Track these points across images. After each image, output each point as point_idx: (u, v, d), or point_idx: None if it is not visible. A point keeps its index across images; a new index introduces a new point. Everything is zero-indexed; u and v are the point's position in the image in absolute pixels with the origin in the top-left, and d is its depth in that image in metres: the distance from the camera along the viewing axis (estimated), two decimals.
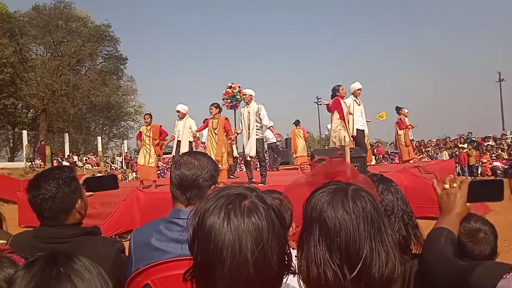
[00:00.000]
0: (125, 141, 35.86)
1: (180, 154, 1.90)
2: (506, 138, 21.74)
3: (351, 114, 8.88)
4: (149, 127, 9.76)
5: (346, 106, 8.52)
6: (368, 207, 0.93)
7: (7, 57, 28.08)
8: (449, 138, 23.21)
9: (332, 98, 8.44)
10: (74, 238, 1.59)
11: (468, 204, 1.32)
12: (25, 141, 25.25)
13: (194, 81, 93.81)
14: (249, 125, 8.02)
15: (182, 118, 9.52)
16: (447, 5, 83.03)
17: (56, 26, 31.16)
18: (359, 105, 8.92)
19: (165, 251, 1.45)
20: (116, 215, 7.40)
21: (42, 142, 26.50)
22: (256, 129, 7.99)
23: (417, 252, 1.34)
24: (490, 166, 17.79)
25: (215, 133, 8.58)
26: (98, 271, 0.90)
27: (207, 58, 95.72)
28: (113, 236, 7.05)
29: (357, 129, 8.63)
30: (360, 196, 0.95)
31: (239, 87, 13.02)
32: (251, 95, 8.14)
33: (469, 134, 22.39)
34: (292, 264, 0.97)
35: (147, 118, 9.87)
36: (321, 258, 0.91)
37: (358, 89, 9.06)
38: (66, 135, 29.64)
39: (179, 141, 9.49)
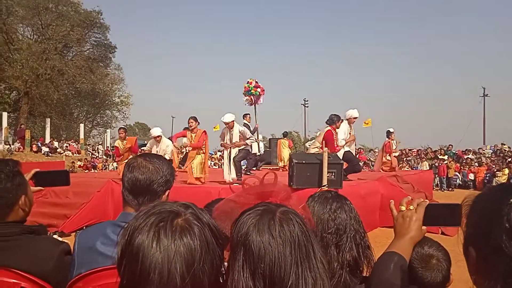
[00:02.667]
0: (108, 130, 35.47)
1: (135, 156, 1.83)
2: (484, 153, 22.18)
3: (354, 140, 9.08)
4: (124, 142, 9.78)
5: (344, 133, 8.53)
6: (296, 230, 0.88)
7: None
8: (431, 148, 23.51)
9: (328, 125, 8.38)
10: (14, 236, 1.50)
11: (423, 228, 1.29)
12: (4, 124, 24.69)
13: (184, 74, 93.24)
14: (230, 150, 8.31)
15: (159, 142, 9.60)
16: (434, 17, 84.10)
17: (46, 8, 30.61)
18: (350, 134, 8.84)
19: (110, 256, 1.39)
20: (89, 206, 7.29)
21: (22, 126, 26.04)
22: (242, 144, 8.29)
23: (367, 275, 1.31)
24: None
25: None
26: None
27: (196, 53, 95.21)
28: (84, 228, 6.95)
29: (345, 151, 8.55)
30: (288, 219, 0.90)
31: (256, 82, 12.88)
32: (233, 121, 8.38)
33: (450, 146, 22.71)
34: None
35: (122, 133, 9.86)
36: (244, 286, 0.86)
37: (354, 118, 8.94)
38: (48, 120, 29.16)
39: None
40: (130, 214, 1.49)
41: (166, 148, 9.57)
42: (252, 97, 12.79)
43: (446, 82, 79.92)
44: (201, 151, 8.45)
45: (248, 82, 12.81)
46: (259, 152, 13.07)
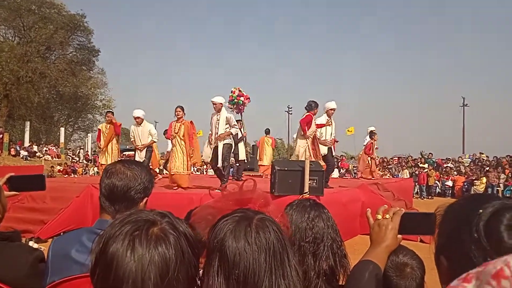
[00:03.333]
0: (89, 134, 35.02)
1: (113, 162, 1.80)
2: (463, 162, 22.65)
3: (337, 141, 9.04)
4: (108, 127, 9.72)
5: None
6: (271, 238, 0.89)
7: None
8: (411, 156, 23.89)
9: (307, 111, 8.42)
10: None
11: (399, 236, 1.31)
12: None
13: (167, 78, 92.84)
14: (217, 133, 7.97)
15: (140, 124, 9.38)
16: (415, 26, 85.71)
17: (28, 10, 30.14)
18: (330, 125, 8.94)
19: (84, 264, 1.36)
20: (67, 212, 7.15)
21: (0, 129, 25.46)
22: (226, 135, 7.99)
23: (343, 284, 1.32)
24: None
25: (180, 138, 8.31)
26: None
27: (181, 59, 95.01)
28: (62, 234, 6.81)
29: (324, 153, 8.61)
30: (264, 226, 0.91)
31: (239, 90, 12.92)
32: (222, 104, 8.12)
33: (430, 154, 23.12)
34: None
35: (109, 116, 9.81)
36: None
37: (332, 109, 8.99)
38: (28, 124, 28.63)
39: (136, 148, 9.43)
40: (107, 221, 1.47)
41: (150, 130, 9.35)
42: (236, 105, 12.81)
43: (426, 91, 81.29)
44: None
45: (232, 91, 12.85)
46: (247, 160, 13.08)
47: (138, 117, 9.25)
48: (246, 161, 12.66)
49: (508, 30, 75.21)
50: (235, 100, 12.71)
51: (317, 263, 1.31)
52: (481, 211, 0.80)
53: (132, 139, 9.50)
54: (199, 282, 0.93)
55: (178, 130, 8.32)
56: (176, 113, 8.40)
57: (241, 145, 11.41)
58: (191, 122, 8.48)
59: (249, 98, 13.06)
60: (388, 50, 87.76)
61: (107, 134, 9.69)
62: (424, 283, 1.54)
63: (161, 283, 0.79)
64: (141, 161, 8.90)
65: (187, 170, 8.38)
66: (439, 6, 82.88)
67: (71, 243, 1.43)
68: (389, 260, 1.32)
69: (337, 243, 1.36)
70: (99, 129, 9.90)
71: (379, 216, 1.33)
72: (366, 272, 1.19)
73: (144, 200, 1.54)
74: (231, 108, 12.71)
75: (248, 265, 0.86)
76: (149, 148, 9.42)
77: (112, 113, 9.92)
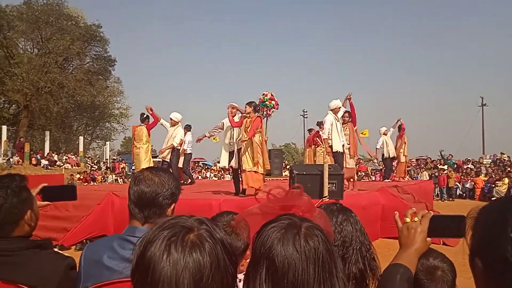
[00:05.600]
0: (107, 143, 35.47)
1: (140, 169, 1.83)
2: (484, 162, 22.22)
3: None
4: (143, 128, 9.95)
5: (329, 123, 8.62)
6: (320, 247, 0.88)
7: None
8: (430, 158, 23.54)
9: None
10: (20, 251, 1.49)
11: (428, 239, 1.30)
12: (4, 137, 24.73)
13: (184, 85, 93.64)
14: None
15: (173, 126, 9.61)
16: (431, 25, 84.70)
17: (46, 22, 30.74)
18: (338, 121, 8.94)
19: (116, 270, 1.39)
20: (89, 219, 7.24)
21: (22, 139, 26.02)
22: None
23: None
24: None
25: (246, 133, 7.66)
26: None
27: (197, 64, 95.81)
28: (84, 241, 6.91)
29: (336, 150, 8.62)
30: (313, 235, 0.90)
31: (271, 94, 12.93)
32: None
33: (450, 156, 22.75)
34: None
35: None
36: None
37: (339, 107, 9.03)
38: (47, 133, 29.16)
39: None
40: (136, 227, 1.50)
41: (176, 134, 9.51)
42: (266, 109, 12.77)
43: (444, 93, 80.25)
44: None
45: (264, 94, 12.85)
46: None
47: (171, 119, 9.61)
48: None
49: None
50: (266, 103, 12.70)
51: (346, 267, 1.31)
52: None
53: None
54: None
55: (249, 125, 7.64)
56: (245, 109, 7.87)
57: None
58: (259, 117, 7.98)
59: (278, 104, 13.05)
60: (405, 50, 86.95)
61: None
62: (455, 286, 1.52)
63: None
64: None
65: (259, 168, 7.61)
66: (455, 5, 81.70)
67: (103, 250, 1.46)
68: (419, 263, 1.31)
69: (365, 246, 1.35)
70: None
71: (408, 219, 1.32)
72: (397, 275, 1.18)
73: (172, 206, 1.56)
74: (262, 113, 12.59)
75: (297, 275, 0.85)
76: (175, 151, 9.60)
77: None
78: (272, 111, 13.00)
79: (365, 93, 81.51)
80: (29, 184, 1.64)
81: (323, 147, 8.85)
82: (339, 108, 9.02)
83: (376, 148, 13.08)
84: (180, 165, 11.11)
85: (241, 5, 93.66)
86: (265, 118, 12.83)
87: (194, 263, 0.82)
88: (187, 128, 11.84)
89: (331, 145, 8.57)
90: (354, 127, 9.63)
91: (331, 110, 8.94)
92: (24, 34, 30.97)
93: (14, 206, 1.51)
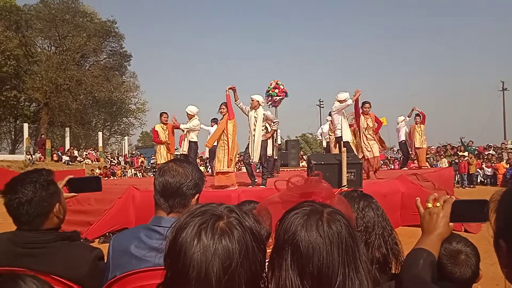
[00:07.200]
0: (125, 138, 35.92)
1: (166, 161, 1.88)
2: (506, 148, 21.76)
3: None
4: (165, 128, 10.04)
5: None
6: (343, 232, 0.89)
7: (11, 50, 28.14)
8: (450, 145, 23.17)
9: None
10: (50, 243, 1.56)
11: (451, 224, 1.30)
12: (26, 134, 25.29)
13: (199, 79, 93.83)
14: (254, 129, 7.97)
15: (190, 119, 9.66)
16: (452, 12, 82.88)
17: (63, 20, 31.12)
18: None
19: (143, 259, 1.43)
20: (111, 213, 7.38)
21: (43, 136, 26.53)
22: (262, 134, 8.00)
23: (396, 272, 1.32)
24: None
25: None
26: None
27: (212, 57, 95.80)
28: (107, 234, 7.05)
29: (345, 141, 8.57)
30: (335, 220, 0.91)
31: (276, 83, 12.77)
32: (258, 101, 8.06)
33: (470, 142, 22.36)
34: None
35: (165, 117, 10.14)
36: (292, 284, 0.87)
37: (346, 99, 8.92)
38: (67, 130, 29.71)
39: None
40: (162, 217, 1.54)
41: (192, 126, 9.57)
42: (271, 98, 12.70)
43: (464, 78, 78.58)
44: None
45: (270, 83, 12.77)
46: (276, 156, 13.05)
47: (187, 113, 9.66)
48: (276, 157, 12.61)
49: None
50: (270, 92, 12.61)
51: (369, 252, 1.32)
52: None
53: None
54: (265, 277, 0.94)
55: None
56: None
57: (269, 141, 11.43)
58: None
59: (285, 92, 12.89)
60: (424, 35, 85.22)
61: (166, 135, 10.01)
62: (479, 270, 1.52)
63: (223, 275, 0.82)
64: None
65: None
66: None
67: (130, 239, 1.50)
68: (443, 248, 1.31)
69: (387, 231, 1.36)
70: (155, 131, 10.17)
71: (429, 205, 1.32)
72: (420, 259, 1.19)
73: (196, 196, 1.60)
74: (267, 101, 12.52)
75: (322, 259, 0.86)
76: (193, 145, 9.67)
77: (167, 114, 10.23)
78: (279, 99, 12.88)
79: (383, 81, 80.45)
80: (55, 178, 1.70)
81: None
82: (345, 100, 8.96)
83: (402, 141, 13.06)
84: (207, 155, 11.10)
85: None
86: (273, 108, 12.76)
87: (223, 249, 0.84)
88: (214, 121, 11.91)
89: (341, 136, 8.51)
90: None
91: (338, 101, 8.88)
92: (42, 32, 31.43)
93: (43, 200, 1.57)
